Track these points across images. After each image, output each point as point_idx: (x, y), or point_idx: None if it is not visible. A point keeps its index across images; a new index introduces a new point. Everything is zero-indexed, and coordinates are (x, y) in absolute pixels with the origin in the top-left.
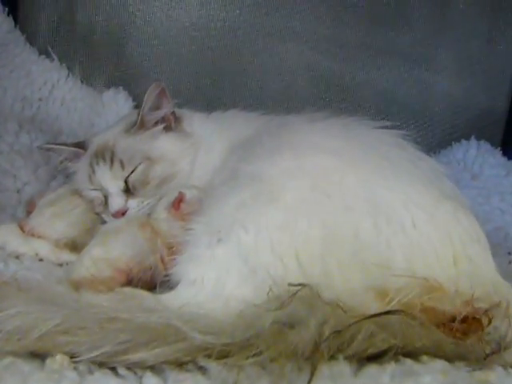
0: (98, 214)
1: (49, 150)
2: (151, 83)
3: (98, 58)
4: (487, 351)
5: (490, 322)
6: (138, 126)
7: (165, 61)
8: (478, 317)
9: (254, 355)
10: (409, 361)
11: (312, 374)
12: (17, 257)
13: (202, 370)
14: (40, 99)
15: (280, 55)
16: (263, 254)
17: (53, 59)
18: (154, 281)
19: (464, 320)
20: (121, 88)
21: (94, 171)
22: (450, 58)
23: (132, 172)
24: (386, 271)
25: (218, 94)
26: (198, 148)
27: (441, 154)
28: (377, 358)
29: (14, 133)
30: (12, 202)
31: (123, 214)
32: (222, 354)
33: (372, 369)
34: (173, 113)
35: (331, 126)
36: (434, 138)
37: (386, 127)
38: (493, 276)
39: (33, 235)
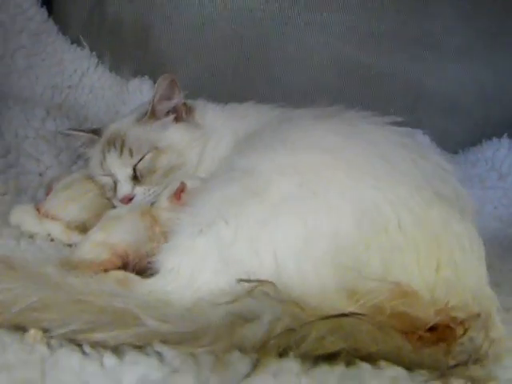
0: (108, 199)
1: (68, 135)
2: (177, 72)
3: (127, 48)
4: (453, 363)
5: (464, 332)
6: (149, 115)
7: (191, 51)
8: (451, 326)
9: (205, 345)
10: (364, 365)
11: (254, 368)
12: (31, 236)
13: (159, 354)
14: (69, 87)
15: (306, 46)
16: (240, 248)
17: (83, 48)
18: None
19: (436, 328)
20: (146, 77)
21: (105, 158)
22: (482, 48)
23: (140, 160)
24: (359, 273)
25: (244, 85)
26: (207, 139)
27: (470, 152)
28: (331, 359)
29: (41, 119)
30: (34, 184)
31: (130, 199)
32: (178, 341)
33: (322, 369)
34: (184, 103)
35: (334, 122)
36: (465, 134)
37: (398, 123)
38: (478, 286)
39: (47, 216)
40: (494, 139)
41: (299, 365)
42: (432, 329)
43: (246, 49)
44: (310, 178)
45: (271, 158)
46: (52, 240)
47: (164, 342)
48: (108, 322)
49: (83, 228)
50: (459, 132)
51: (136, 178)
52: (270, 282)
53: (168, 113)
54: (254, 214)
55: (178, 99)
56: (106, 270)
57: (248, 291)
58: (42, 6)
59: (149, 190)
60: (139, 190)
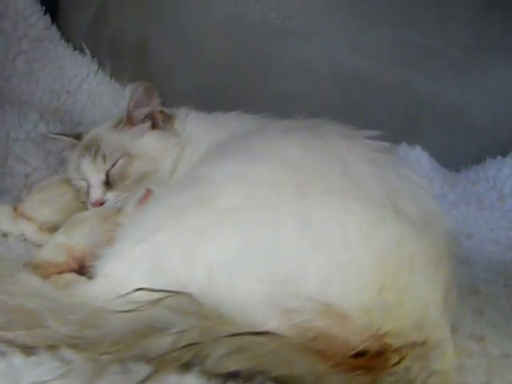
0: (83, 202)
1: (53, 138)
2: (173, 81)
3: (126, 56)
4: None
5: (400, 361)
6: (125, 122)
7: (189, 60)
8: (383, 353)
9: (105, 352)
10: None
11: (148, 378)
12: (4, 235)
13: (63, 358)
14: (68, 92)
15: (305, 57)
16: (174, 257)
17: (85, 55)
18: None
19: (365, 354)
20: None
21: (80, 162)
22: (492, 63)
23: (113, 166)
24: (290, 290)
25: (243, 96)
26: (184, 147)
27: (472, 170)
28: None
29: (34, 122)
30: (19, 185)
31: (101, 204)
32: (83, 347)
33: None
34: (161, 111)
35: (302, 136)
36: (469, 151)
37: (377, 137)
38: (426, 312)
39: (23, 217)
40: (499, 158)
41: (200, 381)
42: (363, 354)
43: (245, 59)
44: (261, 190)
45: (227, 167)
46: (25, 240)
47: (73, 346)
48: (17, 321)
49: (55, 230)
50: (463, 148)
51: (109, 184)
52: (185, 294)
53: (144, 120)
54: (194, 223)
55: (153, 106)
56: (61, 272)
57: (156, 301)
58: (45, 14)
59: (120, 196)
60: (110, 195)
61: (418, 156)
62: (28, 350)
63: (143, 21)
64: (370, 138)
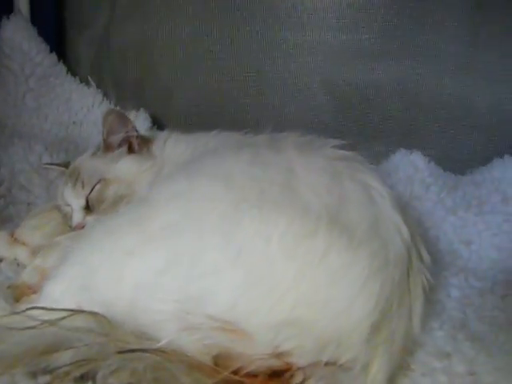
0: (70, 227)
1: (46, 168)
2: (172, 104)
3: (129, 84)
4: None
5: (303, 380)
6: (103, 149)
7: (184, 83)
8: (285, 372)
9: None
10: None
11: None
12: (0, 260)
13: None
14: (74, 122)
15: (295, 69)
16: (102, 277)
17: (90, 86)
18: None
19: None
20: (142, 110)
21: (64, 189)
22: (495, 60)
23: (91, 191)
24: (198, 308)
25: (239, 111)
26: (160, 169)
27: (477, 172)
28: None
29: (39, 154)
30: (21, 213)
31: (82, 227)
32: None
33: None
34: (138, 136)
35: (254, 152)
36: (474, 153)
37: (343, 146)
38: (345, 330)
39: (18, 242)
40: (506, 156)
41: None
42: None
43: (241, 76)
44: (195, 207)
45: (169, 187)
46: (18, 264)
47: None
48: None
49: None
50: (468, 150)
51: (89, 208)
52: (91, 312)
53: (120, 145)
54: (125, 244)
55: (126, 132)
56: (34, 293)
57: (59, 319)
58: (51, 52)
59: (99, 219)
60: (90, 219)
61: (415, 161)
62: None
63: (142, 52)
64: (336, 147)
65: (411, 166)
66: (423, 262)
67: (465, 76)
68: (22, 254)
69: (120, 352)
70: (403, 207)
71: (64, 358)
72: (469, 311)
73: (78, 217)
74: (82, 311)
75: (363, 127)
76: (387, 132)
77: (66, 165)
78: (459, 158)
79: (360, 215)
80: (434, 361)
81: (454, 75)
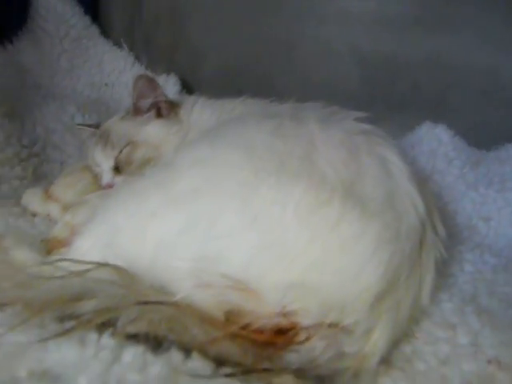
0: (99, 186)
1: (78, 129)
2: (202, 67)
3: (160, 48)
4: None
5: (306, 339)
6: (132, 112)
7: (214, 46)
8: (289, 331)
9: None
10: (175, 354)
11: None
12: (33, 215)
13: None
14: (106, 84)
15: (323, 38)
16: (126, 235)
17: (123, 49)
18: None
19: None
20: (172, 73)
21: (94, 150)
22: None
23: (120, 153)
24: (213, 266)
25: (269, 82)
26: (186, 134)
27: (503, 148)
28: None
29: (71, 114)
30: (55, 172)
31: (111, 187)
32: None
33: (131, 349)
34: (166, 100)
35: (277, 122)
36: (503, 128)
37: (365, 119)
38: (351, 294)
39: (51, 199)
40: None
41: (114, 341)
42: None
43: (270, 43)
44: (217, 174)
45: (192, 152)
46: (50, 220)
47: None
48: None
49: None
50: (496, 126)
51: (117, 169)
52: (114, 265)
53: (149, 109)
54: (150, 205)
55: (155, 97)
56: (64, 247)
57: (84, 271)
58: (85, 15)
59: (127, 180)
60: (118, 179)
61: (440, 135)
62: None
63: (175, 16)
64: (358, 119)
65: (435, 140)
66: (438, 235)
67: (496, 50)
68: (54, 210)
69: (139, 303)
70: (423, 181)
71: (88, 306)
72: (480, 286)
73: (107, 177)
74: (106, 264)
75: (390, 98)
76: (414, 104)
77: (97, 126)
78: (485, 134)
79: (375, 188)
80: (438, 331)
81: (485, 48)
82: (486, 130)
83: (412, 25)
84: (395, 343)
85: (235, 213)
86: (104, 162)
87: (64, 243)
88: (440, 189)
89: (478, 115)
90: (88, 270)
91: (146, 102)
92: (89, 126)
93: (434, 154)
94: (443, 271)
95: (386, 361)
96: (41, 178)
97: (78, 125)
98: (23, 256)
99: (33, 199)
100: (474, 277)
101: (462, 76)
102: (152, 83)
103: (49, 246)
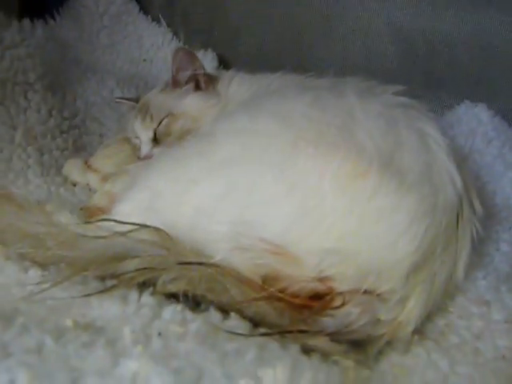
0: (139, 157)
1: (117, 102)
2: (238, 43)
3: (198, 24)
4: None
5: (342, 304)
6: (171, 85)
7: (252, 23)
8: (322, 294)
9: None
10: (213, 313)
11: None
12: (74, 184)
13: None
14: (144, 60)
15: (364, 16)
16: (166, 200)
17: (161, 25)
18: None
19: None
20: (209, 49)
21: (134, 122)
22: None
23: (159, 125)
24: (251, 231)
25: (307, 58)
26: (224, 107)
27: None
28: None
29: (110, 89)
30: (94, 143)
31: (150, 158)
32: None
33: (170, 307)
34: (205, 74)
35: (316, 95)
36: None
37: (404, 93)
38: (385, 262)
39: (91, 169)
40: None
41: (153, 299)
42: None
43: (309, 19)
44: (255, 143)
45: (232, 123)
46: (89, 189)
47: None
48: (28, 243)
49: None
50: None
51: (156, 140)
52: (154, 228)
53: (188, 82)
54: (190, 172)
55: (194, 70)
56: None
57: (126, 232)
58: None
59: (165, 151)
60: (156, 151)
61: (479, 114)
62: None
63: None
64: (397, 93)
65: (475, 119)
66: (475, 213)
67: None
68: (93, 179)
69: (179, 263)
70: (462, 159)
71: (130, 265)
72: None
73: (146, 148)
74: (147, 226)
75: (429, 76)
76: (454, 82)
77: (137, 99)
78: None
79: (413, 161)
80: (472, 306)
81: None
82: None
83: (452, 1)
84: (429, 315)
85: (274, 180)
86: (143, 134)
87: (103, 210)
88: (479, 168)
89: None
90: (130, 231)
91: (184, 75)
92: (128, 99)
93: (474, 133)
94: (479, 250)
95: (419, 332)
96: (80, 149)
97: (118, 98)
98: (66, 218)
99: (73, 169)
100: (510, 257)
101: (502, 54)
102: (191, 56)
103: (88, 214)
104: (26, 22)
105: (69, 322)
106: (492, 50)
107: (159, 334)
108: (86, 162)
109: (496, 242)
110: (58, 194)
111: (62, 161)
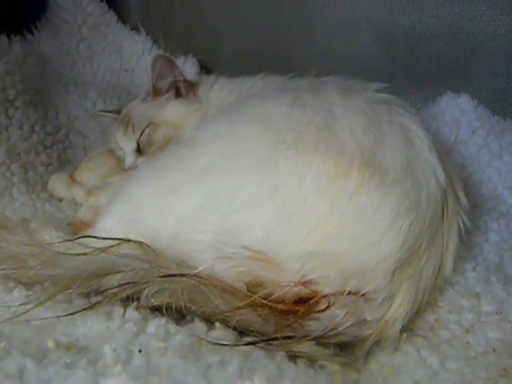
0: (123, 169)
1: (99, 115)
2: (219, 48)
3: (177, 30)
4: (289, 334)
5: (327, 307)
6: (152, 94)
7: (232, 26)
8: (307, 298)
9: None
10: (198, 324)
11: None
12: (60, 200)
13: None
14: (126, 69)
15: (341, 12)
16: (148, 211)
17: (140, 34)
18: None
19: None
20: (190, 55)
21: (116, 134)
22: None
23: (141, 135)
24: (233, 239)
25: (287, 59)
26: (206, 112)
27: None
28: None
29: (93, 101)
30: (79, 156)
31: (134, 169)
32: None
33: (155, 321)
34: (185, 80)
35: (299, 95)
36: None
37: (385, 89)
38: (370, 263)
39: (76, 183)
40: None
41: (137, 313)
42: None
43: (288, 19)
44: (236, 148)
45: (211, 129)
46: (76, 204)
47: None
48: (12, 264)
49: None
50: None
51: (139, 151)
52: (137, 241)
53: (168, 90)
54: (170, 182)
55: (174, 76)
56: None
57: (107, 247)
58: (101, 1)
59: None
60: (141, 161)
61: (463, 105)
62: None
63: None
64: (378, 90)
65: (458, 109)
66: (461, 205)
67: None
68: (78, 193)
69: (161, 276)
70: (446, 152)
71: (112, 280)
72: (505, 256)
73: (129, 159)
74: (129, 240)
75: (411, 69)
76: (436, 74)
77: (118, 111)
78: (509, 102)
79: (395, 157)
80: (462, 300)
81: (508, 16)
82: (510, 99)
83: None
84: (418, 312)
85: (254, 186)
86: (126, 145)
87: (89, 225)
88: (464, 159)
89: (501, 84)
90: (111, 246)
91: (165, 82)
92: (110, 111)
93: (457, 124)
94: (468, 241)
95: (408, 329)
96: (65, 163)
97: (100, 111)
98: (50, 236)
99: (58, 184)
100: (499, 246)
101: (484, 44)
102: (170, 63)
103: (75, 229)
104: (3, 38)
105: (51, 344)
106: (472, 41)
107: (140, 350)
108: (70, 177)
109: (484, 232)
110: (43, 211)
111: (46, 176)
